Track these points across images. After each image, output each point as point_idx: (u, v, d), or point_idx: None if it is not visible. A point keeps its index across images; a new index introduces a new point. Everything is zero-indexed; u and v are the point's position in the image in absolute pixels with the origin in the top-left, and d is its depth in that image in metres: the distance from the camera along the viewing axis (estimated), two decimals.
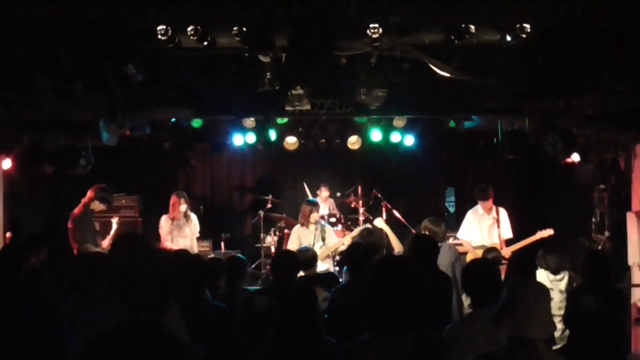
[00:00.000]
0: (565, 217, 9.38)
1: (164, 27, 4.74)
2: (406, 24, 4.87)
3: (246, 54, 5.46)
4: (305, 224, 7.59)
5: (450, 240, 7.66)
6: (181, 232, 8.03)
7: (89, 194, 7.32)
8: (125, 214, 9.22)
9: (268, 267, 9.45)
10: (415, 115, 7.97)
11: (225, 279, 5.35)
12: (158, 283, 2.49)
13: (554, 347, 5.40)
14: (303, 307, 3.15)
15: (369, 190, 9.76)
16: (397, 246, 7.22)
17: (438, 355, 2.79)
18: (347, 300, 4.68)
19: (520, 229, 8.28)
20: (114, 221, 8.00)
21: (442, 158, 10.98)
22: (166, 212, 8.11)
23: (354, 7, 4.55)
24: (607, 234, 8.08)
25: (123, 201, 9.39)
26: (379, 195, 9.50)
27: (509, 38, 4.87)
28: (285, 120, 8.52)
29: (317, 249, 7.18)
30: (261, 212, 9.93)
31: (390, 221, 8.00)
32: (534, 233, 7.72)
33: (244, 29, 4.79)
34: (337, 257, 8.08)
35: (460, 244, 7.69)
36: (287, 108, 6.34)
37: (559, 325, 5.58)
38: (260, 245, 9.98)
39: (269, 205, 10.04)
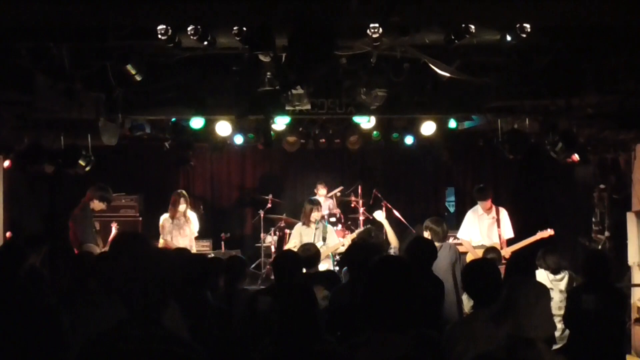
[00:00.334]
0: (565, 217, 9.37)
1: (164, 26, 4.74)
2: (406, 24, 4.86)
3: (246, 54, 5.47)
4: (307, 222, 7.61)
5: (451, 240, 7.66)
6: (181, 232, 8.03)
7: (88, 193, 7.35)
8: (125, 214, 9.24)
9: (268, 266, 9.47)
10: (415, 115, 7.97)
11: (224, 278, 5.34)
12: (158, 282, 2.48)
13: (554, 347, 5.39)
14: (302, 307, 3.14)
15: (369, 190, 9.77)
16: (393, 241, 7.31)
17: (437, 355, 2.79)
18: (346, 300, 4.67)
19: (520, 229, 8.28)
20: (114, 226, 8.02)
21: (442, 158, 10.99)
22: (166, 211, 8.13)
23: (354, 7, 4.54)
24: (607, 234, 8.07)
25: (123, 201, 9.39)
26: (379, 194, 9.51)
27: (509, 38, 4.87)
28: (288, 121, 8.50)
29: None
30: (261, 212, 9.95)
31: (390, 221, 8.00)
32: (534, 233, 7.72)
33: (244, 29, 4.79)
34: (337, 257, 8.08)
35: (461, 244, 7.70)
36: (287, 108, 6.34)
37: (559, 325, 5.58)
38: (260, 245, 9.99)
39: (269, 205, 10.06)
